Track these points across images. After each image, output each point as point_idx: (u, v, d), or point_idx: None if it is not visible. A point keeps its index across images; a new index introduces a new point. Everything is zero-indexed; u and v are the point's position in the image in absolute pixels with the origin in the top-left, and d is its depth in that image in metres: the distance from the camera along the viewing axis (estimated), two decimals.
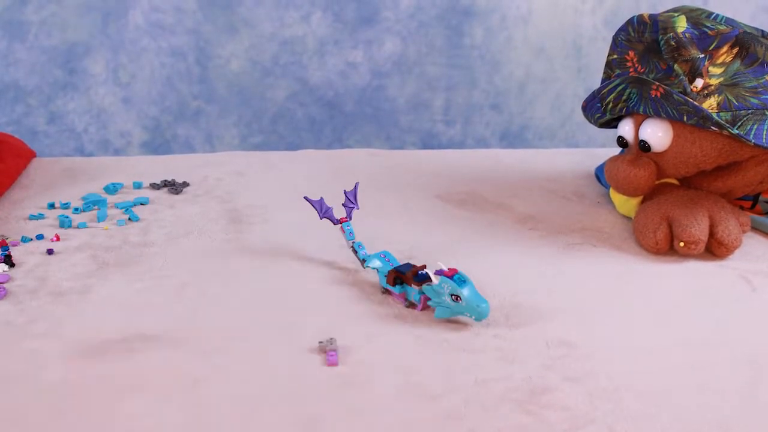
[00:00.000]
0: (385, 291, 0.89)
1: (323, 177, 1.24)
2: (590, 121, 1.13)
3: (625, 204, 1.09)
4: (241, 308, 0.86)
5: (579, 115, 1.79)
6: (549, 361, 0.77)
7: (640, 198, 1.07)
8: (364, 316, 0.85)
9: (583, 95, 1.77)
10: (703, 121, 0.96)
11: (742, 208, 1.07)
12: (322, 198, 0.97)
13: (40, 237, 1.01)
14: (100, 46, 1.65)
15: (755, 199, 1.08)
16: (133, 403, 0.70)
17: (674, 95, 0.97)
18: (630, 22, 1.06)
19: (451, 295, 0.81)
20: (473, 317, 0.81)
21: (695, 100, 0.98)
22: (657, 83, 0.99)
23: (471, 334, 0.81)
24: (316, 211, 0.97)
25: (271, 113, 1.74)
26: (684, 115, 0.97)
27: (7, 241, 1.00)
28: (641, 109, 1.02)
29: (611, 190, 1.14)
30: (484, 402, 0.71)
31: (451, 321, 0.84)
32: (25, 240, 1.01)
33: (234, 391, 0.72)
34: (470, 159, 1.36)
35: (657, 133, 1.01)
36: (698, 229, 0.97)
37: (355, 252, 0.93)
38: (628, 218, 1.10)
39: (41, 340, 0.80)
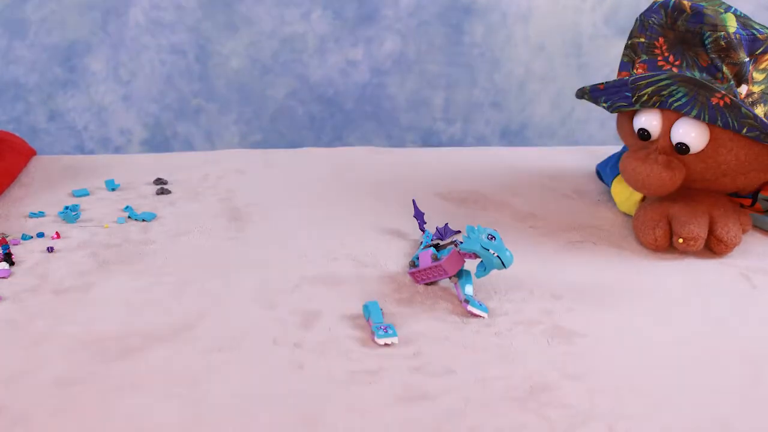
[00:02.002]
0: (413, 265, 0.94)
1: (323, 175, 1.24)
2: (597, 104, 1.05)
3: (626, 202, 1.09)
4: (241, 306, 0.86)
5: (579, 113, 1.79)
6: (549, 358, 0.77)
7: (641, 196, 1.07)
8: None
9: None
10: (764, 137, 0.93)
11: (742, 206, 1.07)
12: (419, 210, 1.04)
13: (40, 235, 1.02)
14: (100, 44, 1.65)
15: (755, 196, 1.08)
16: (133, 401, 0.71)
17: (742, 108, 0.92)
18: (663, 5, 0.99)
19: (488, 235, 0.84)
20: (502, 263, 0.84)
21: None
22: (723, 92, 0.93)
23: (471, 332, 0.81)
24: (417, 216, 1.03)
25: (271, 111, 1.74)
26: (744, 128, 0.93)
27: (7, 239, 1.00)
28: (694, 113, 0.96)
29: (612, 188, 1.14)
30: (484, 400, 0.71)
31: (451, 320, 0.84)
32: (25, 238, 1.01)
33: (234, 390, 0.72)
34: (470, 157, 1.36)
35: (692, 134, 0.97)
36: (697, 226, 0.97)
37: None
38: (629, 216, 1.10)
39: (41, 338, 0.80)
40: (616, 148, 1.29)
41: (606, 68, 1.74)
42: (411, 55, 1.72)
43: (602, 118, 1.78)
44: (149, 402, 0.71)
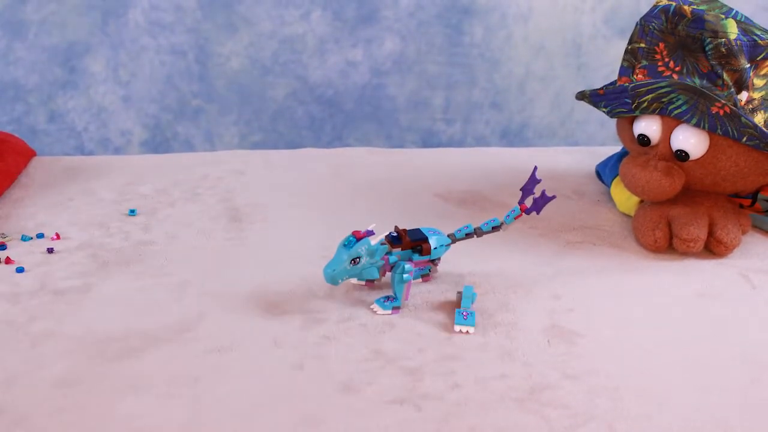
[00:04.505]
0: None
1: (323, 175, 1.24)
2: (598, 108, 1.05)
3: (626, 203, 1.09)
4: (241, 307, 0.86)
5: (579, 113, 1.79)
6: (549, 359, 0.77)
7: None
8: (364, 314, 0.85)
9: None
10: (764, 146, 0.93)
11: (741, 206, 1.07)
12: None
13: (40, 236, 1.01)
14: (100, 45, 1.65)
15: (754, 197, 1.08)
16: (133, 401, 0.71)
17: (742, 118, 0.92)
18: (664, 10, 0.99)
19: (352, 260, 0.83)
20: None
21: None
22: (723, 101, 0.93)
23: (472, 333, 0.81)
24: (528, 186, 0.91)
25: (271, 112, 1.74)
26: (744, 137, 0.93)
27: (6, 240, 1.00)
28: (693, 121, 0.96)
29: (612, 189, 1.14)
30: (484, 400, 0.71)
31: (451, 320, 0.84)
32: (25, 239, 1.01)
33: (234, 390, 0.72)
34: (470, 157, 1.36)
35: (692, 141, 0.97)
36: (697, 227, 0.97)
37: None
38: (629, 216, 1.10)
39: (42, 338, 0.80)
40: (616, 149, 1.29)
41: (606, 68, 1.74)
42: (411, 55, 1.72)
43: (602, 119, 1.78)
44: (149, 402, 0.71)
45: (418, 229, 0.88)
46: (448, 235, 0.89)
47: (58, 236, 1.01)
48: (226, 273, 0.93)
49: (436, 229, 0.89)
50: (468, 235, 0.89)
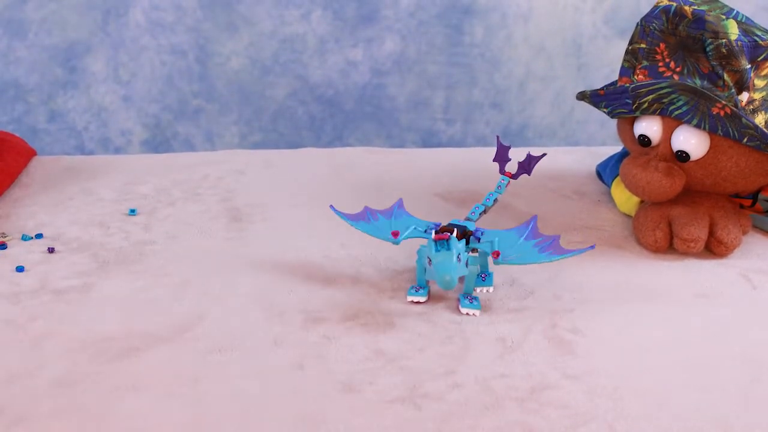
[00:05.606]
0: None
1: (323, 175, 1.24)
2: (598, 108, 1.05)
3: (626, 203, 1.09)
4: (241, 307, 0.86)
5: (579, 113, 1.79)
6: (549, 359, 0.77)
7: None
8: (364, 314, 0.85)
9: None
10: (765, 146, 0.93)
11: (742, 206, 1.07)
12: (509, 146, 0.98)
13: (39, 236, 1.01)
14: (100, 45, 1.65)
15: (755, 197, 1.08)
16: (133, 402, 0.71)
17: (743, 119, 0.92)
18: (665, 10, 0.99)
19: (428, 257, 0.82)
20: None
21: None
22: (723, 102, 0.93)
23: (472, 332, 0.81)
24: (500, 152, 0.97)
25: (271, 111, 1.74)
26: (745, 137, 0.93)
27: (6, 239, 1.00)
28: (694, 122, 0.95)
29: (612, 189, 1.14)
30: (484, 400, 0.71)
31: (451, 320, 0.84)
32: (25, 238, 1.01)
33: (234, 390, 0.72)
34: (470, 157, 1.36)
35: (692, 141, 0.97)
36: (698, 228, 0.97)
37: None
38: (629, 217, 1.10)
39: (41, 338, 0.80)
40: (617, 149, 1.29)
41: (606, 68, 1.74)
42: (411, 55, 1.72)
43: (602, 119, 1.78)
44: (149, 402, 0.71)
45: (450, 223, 0.89)
46: (466, 220, 0.91)
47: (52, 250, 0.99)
48: (226, 273, 0.93)
49: (454, 220, 0.91)
50: (481, 214, 0.93)
